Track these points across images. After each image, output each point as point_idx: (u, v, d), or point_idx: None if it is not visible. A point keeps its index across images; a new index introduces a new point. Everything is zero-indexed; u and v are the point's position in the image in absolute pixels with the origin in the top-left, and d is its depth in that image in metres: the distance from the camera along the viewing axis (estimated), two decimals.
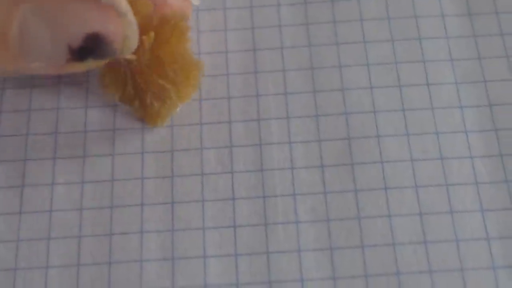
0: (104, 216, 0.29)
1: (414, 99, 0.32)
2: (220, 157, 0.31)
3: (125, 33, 0.25)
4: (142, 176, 0.30)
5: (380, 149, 0.31)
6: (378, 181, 0.30)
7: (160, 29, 0.28)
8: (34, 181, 0.30)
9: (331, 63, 0.32)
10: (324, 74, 0.32)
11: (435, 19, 0.33)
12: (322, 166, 0.30)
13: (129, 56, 0.27)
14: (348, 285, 0.28)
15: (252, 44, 0.33)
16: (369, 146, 0.31)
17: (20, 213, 0.29)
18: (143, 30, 0.27)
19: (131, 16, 0.25)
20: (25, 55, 0.24)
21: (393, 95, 0.32)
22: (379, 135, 0.31)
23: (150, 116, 0.30)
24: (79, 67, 0.25)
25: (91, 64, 0.25)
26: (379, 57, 0.33)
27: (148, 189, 0.30)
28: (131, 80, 0.29)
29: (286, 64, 0.33)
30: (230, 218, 0.29)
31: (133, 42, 0.26)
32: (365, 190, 0.30)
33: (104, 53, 0.25)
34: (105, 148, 0.31)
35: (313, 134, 0.31)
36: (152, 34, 0.27)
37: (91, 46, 0.24)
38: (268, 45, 0.33)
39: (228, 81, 0.32)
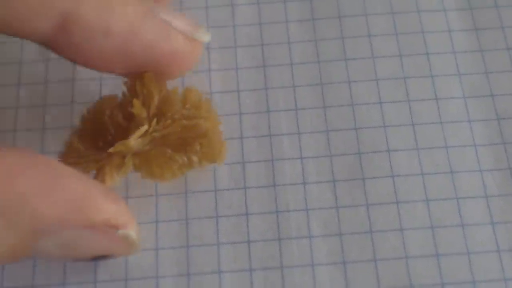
0: None
1: (423, 114, 0.32)
2: (232, 173, 0.31)
3: (129, 253, 0.27)
4: (156, 193, 0.30)
5: (391, 163, 0.31)
6: (389, 195, 0.30)
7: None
8: None
9: (340, 79, 0.33)
10: (334, 90, 0.33)
11: (442, 34, 0.34)
12: (333, 180, 0.31)
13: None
14: None
15: (262, 60, 0.33)
16: (379, 161, 0.31)
17: None
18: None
19: (139, 240, 0.26)
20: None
21: (402, 110, 0.32)
22: (389, 149, 0.31)
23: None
24: None
25: None
26: (388, 72, 0.33)
27: (163, 206, 0.30)
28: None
29: (296, 80, 0.33)
30: (244, 234, 0.30)
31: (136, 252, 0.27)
32: (376, 204, 0.30)
33: (105, 260, 0.28)
34: None
35: (324, 149, 0.31)
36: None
37: (95, 259, 0.26)
38: (278, 62, 0.33)
39: (239, 97, 0.32)
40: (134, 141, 0.26)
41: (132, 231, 0.25)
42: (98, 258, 0.26)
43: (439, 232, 0.29)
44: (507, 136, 0.31)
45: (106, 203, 0.24)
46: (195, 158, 0.28)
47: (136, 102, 0.27)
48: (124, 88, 0.28)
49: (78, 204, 0.23)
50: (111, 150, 0.26)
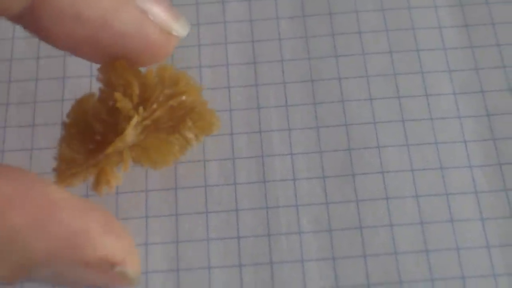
0: None
1: (413, 110, 0.32)
2: (222, 169, 0.31)
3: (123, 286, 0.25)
4: (147, 188, 0.30)
5: (381, 160, 0.31)
6: (379, 191, 0.30)
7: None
8: None
9: (331, 75, 0.33)
10: (324, 86, 0.33)
11: (433, 31, 0.34)
12: (323, 177, 0.31)
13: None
14: None
15: (253, 57, 0.33)
16: (369, 157, 0.31)
17: None
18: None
19: (138, 276, 0.24)
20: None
21: (392, 106, 0.32)
22: (379, 145, 0.31)
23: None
24: None
25: None
26: (378, 68, 0.33)
27: (153, 201, 0.30)
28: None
29: (286, 76, 0.33)
30: (234, 229, 0.30)
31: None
32: (366, 200, 0.30)
33: None
34: None
35: (314, 145, 0.31)
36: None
37: None
38: (268, 58, 0.33)
39: (229, 94, 0.32)
40: (128, 134, 0.26)
41: (130, 269, 0.23)
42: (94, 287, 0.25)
43: (428, 228, 0.30)
44: (497, 132, 0.31)
45: (104, 238, 0.23)
46: (190, 135, 0.27)
47: (118, 95, 0.26)
48: (100, 83, 0.27)
49: (73, 241, 0.22)
50: (109, 150, 0.26)
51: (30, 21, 0.25)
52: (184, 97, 0.27)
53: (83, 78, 0.33)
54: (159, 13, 0.26)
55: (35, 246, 0.21)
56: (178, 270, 0.29)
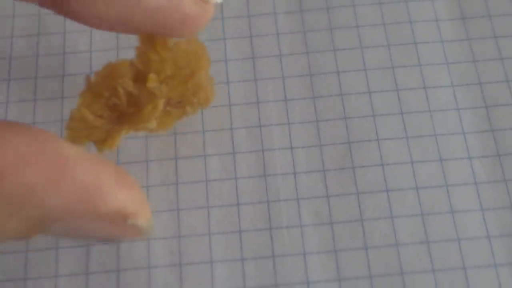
0: None
1: (411, 103, 0.32)
2: (223, 164, 0.31)
3: (137, 238, 0.25)
4: (147, 184, 0.30)
5: (380, 152, 0.31)
6: (379, 183, 0.30)
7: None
8: None
9: (329, 69, 0.33)
10: (323, 80, 0.33)
11: (430, 23, 0.34)
12: (323, 170, 0.31)
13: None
14: (353, 286, 0.29)
15: (251, 52, 0.33)
16: (369, 150, 0.31)
17: None
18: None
19: (150, 228, 0.24)
20: None
21: (391, 99, 0.32)
22: (378, 138, 0.31)
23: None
24: None
25: None
26: (376, 62, 0.33)
27: (154, 197, 0.30)
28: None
29: (285, 71, 0.33)
30: (236, 224, 0.30)
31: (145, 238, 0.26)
32: (366, 192, 0.30)
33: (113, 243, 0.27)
34: (110, 157, 0.31)
35: (314, 139, 0.31)
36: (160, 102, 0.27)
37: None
38: (267, 53, 0.34)
39: (228, 89, 0.33)
40: (153, 122, 0.26)
41: (143, 220, 0.24)
42: (107, 239, 0.25)
43: (429, 219, 0.30)
44: (495, 123, 0.31)
45: (116, 191, 0.23)
46: (190, 109, 0.28)
47: (152, 77, 0.26)
48: (135, 52, 0.27)
49: (86, 195, 0.22)
50: (127, 128, 0.26)
51: (58, 5, 0.25)
52: (202, 74, 0.28)
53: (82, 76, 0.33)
54: None
55: (50, 202, 0.21)
56: (181, 265, 0.29)
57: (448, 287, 0.28)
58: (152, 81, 0.26)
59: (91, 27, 0.26)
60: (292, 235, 0.30)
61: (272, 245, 0.29)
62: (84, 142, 0.27)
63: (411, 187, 0.30)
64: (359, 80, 0.33)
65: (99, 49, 0.34)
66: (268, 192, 0.30)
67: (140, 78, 0.27)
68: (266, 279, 0.29)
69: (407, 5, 0.34)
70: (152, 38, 0.27)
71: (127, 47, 0.33)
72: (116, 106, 0.27)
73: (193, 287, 0.29)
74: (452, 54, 0.33)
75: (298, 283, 0.29)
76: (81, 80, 0.32)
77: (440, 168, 0.31)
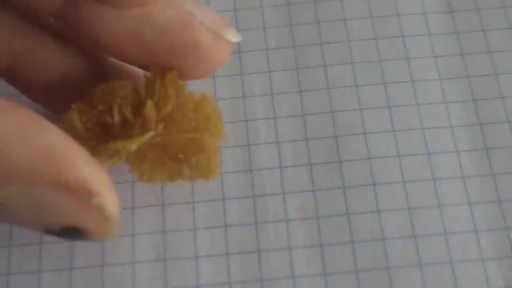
0: None
1: (399, 96, 0.32)
2: None
3: (104, 231, 0.24)
4: (133, 178, 0.30)
5: (367, 146, 0.31)
6: (366, 177, 0.30)
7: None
8: None
9: (316, 63, 0.33)
10: (309, 74, 0.33)
11: (417, 16, 0.34)
12: (310, 164, 0.31)
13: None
14: (339, 280, 0.28)
15: (237, 46, 0.33)
16: (356, 143, 0.31)
17: None
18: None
19: (116, 217, 0.23)
20: (2, 219, 0.24)
21: (378, 93, 0.32)
22: (365, 132, 0.31)
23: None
24: None
25: None
26: (363, 55, 0.33)
27: (139, 192, 0.30)
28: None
29: (272, 65, 0.33)
30: (221, 218, 0.30)
31: (113, 235, 0.24)
32: (353, 186, 0.30)
33: (80, 240, 0.24)
34: None
35: (300, 133, 0.31)
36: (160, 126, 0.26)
37: (67, 233, 0.24)
38: (253, 47, 0.33)
39: (214, 83, 0.32)
40: (135, 145, 0.26)
41: (108, 202, 0.23)
42: (71, 235, 0.24)
43: (416, 213, 0.30)
44: (483, 117, 0.31)
45: (83, 164, 0.22)
46: (187, 172, 0.27)
47: (149, 104, 0.25)
48: (144, 79, 0.27)
49: (53, 156, 0.21)
50: (109, 145, 0.25)
51: (70, 17, 0.25)
52: (206, 136, 0.27)
53: None
54: (208, 17, 0.26)
55: (15, 151, 0.21)
56: (166, 260, 0.29)
57: (434, 281, 0.28)
58: (149, 109, 0.26)
59: (101, 50, 0.26)
60: (277, 229, 0.29)
61: (258, 239, 0.29)
62: None
63: (398, 181, 0.30)
64: (346, 73, 0.32)
65: None
66: (254, 187, 0.30)
67: (139, 106, 0.26)
68: (251, 274, 0.29)
69: None
70: (163, 71, 0.26)
71: None
72: (106, 124, 0.26)
73: (178, 282, 0.28)
74: (440, 47, 0.33)
75: (284, 278, 0.28)
76: None
77: (428, 162, 0.30)
